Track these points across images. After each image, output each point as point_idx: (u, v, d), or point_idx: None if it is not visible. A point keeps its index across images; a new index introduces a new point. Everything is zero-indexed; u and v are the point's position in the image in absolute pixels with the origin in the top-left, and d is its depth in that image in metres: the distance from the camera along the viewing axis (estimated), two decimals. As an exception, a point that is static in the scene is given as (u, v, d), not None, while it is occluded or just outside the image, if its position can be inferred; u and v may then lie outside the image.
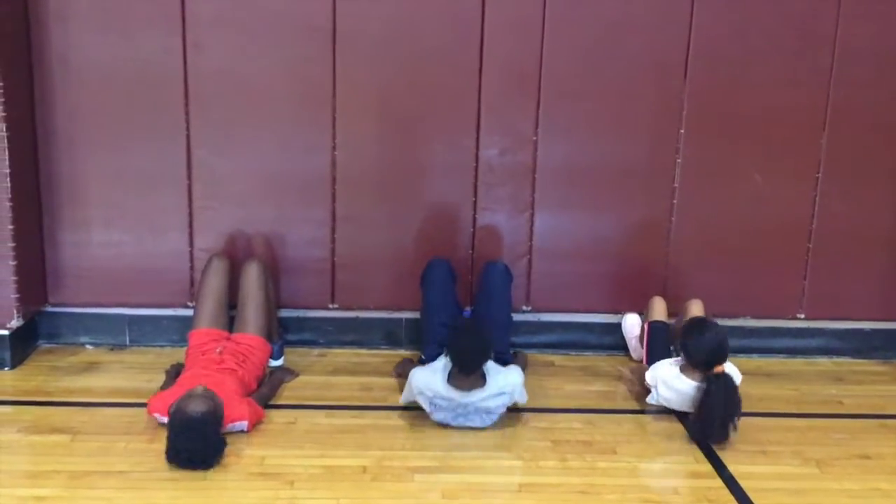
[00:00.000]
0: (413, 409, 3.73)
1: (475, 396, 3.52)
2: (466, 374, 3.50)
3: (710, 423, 3.49)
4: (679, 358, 3.79)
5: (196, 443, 3.18)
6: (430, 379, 3.54)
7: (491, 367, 3.60)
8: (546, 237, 4.41)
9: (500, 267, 4.12)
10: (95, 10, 4.07)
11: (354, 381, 4.07)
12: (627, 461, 3.40)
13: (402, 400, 3.73)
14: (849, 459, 3.48)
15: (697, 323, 3.75)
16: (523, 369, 3.88)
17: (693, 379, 3.65)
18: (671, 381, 3.71)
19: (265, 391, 3.82)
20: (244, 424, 3.47)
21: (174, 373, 3.85)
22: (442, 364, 3.58)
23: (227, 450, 3.32)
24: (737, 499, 3.14)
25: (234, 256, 4.17)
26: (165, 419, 3.36)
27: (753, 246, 4.44)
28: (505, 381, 3.57)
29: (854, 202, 4.41)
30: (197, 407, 3.24)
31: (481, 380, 3.54)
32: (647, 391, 3.88)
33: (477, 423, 3.59)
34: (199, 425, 3.20)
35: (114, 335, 4.42)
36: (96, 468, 3.21)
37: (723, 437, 3.50)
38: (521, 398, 3.68)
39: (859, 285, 4.53)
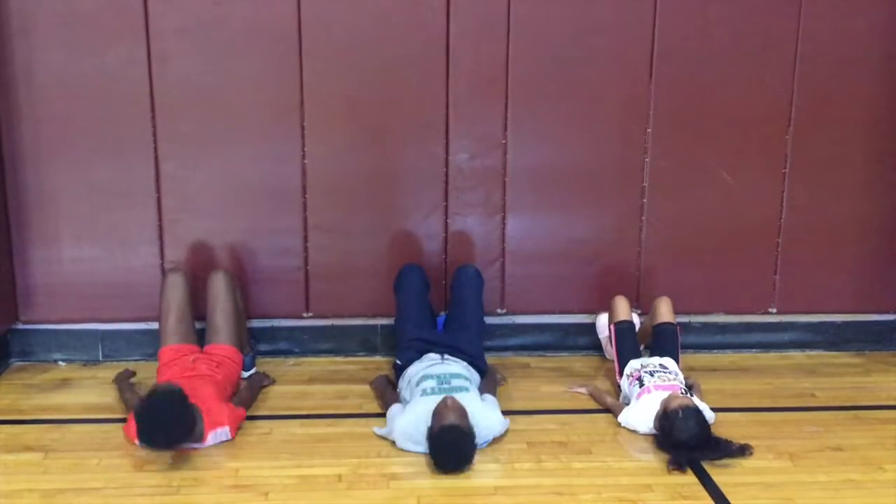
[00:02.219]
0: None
1: None
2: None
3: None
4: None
5: (165, 412, 3.22)
6: (413, 430, 3.40)
7: (467, 400, 3.43)
8: (518, 240, 4.42)
9: (471, 271, 4.13)
10: (59, 25, 4.04)
11: (330, 390, 4.07)
12: (602, 461, 3.42)
13: (382, 433, 3.55)
14: (822, 452, 3.51)
15: (671, 416, 3.43)
16: (496, 387, 3.89)
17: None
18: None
19: (244, 394, 3.83)
20: (226, 431, 3.47)
21: (126, 382, 3.90)
22: (422, 408, 3.41)
23: (201, 462, 3.32)
24: (710, 494, 3.16)
25: (204, 269, 4.16)
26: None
27: (724, 242, 4.47)
28: (486, 430, 3.44)
29: (821, 196, 4.46)
30: (163, 388, 3.35)
31: None
32: (618, 390, 3.93)
33: None
34: (167, 397, 3.27)
35: (87, 351, 4.39)
36: (70, 486, 3.18)
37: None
38: (501, 430, 3.56)
39: (830, 278, 4.57)
